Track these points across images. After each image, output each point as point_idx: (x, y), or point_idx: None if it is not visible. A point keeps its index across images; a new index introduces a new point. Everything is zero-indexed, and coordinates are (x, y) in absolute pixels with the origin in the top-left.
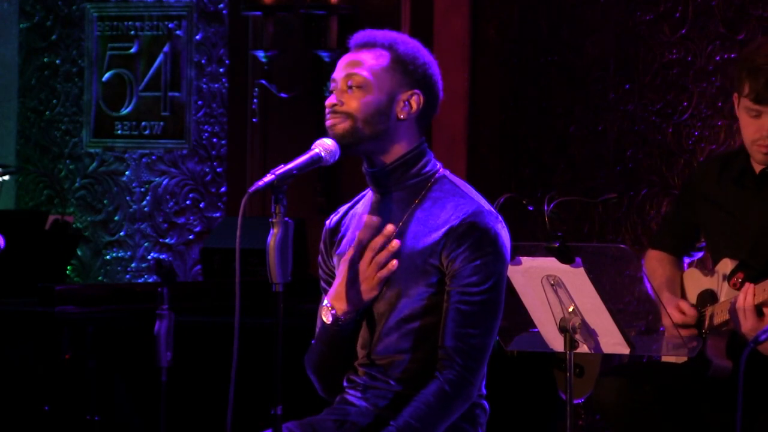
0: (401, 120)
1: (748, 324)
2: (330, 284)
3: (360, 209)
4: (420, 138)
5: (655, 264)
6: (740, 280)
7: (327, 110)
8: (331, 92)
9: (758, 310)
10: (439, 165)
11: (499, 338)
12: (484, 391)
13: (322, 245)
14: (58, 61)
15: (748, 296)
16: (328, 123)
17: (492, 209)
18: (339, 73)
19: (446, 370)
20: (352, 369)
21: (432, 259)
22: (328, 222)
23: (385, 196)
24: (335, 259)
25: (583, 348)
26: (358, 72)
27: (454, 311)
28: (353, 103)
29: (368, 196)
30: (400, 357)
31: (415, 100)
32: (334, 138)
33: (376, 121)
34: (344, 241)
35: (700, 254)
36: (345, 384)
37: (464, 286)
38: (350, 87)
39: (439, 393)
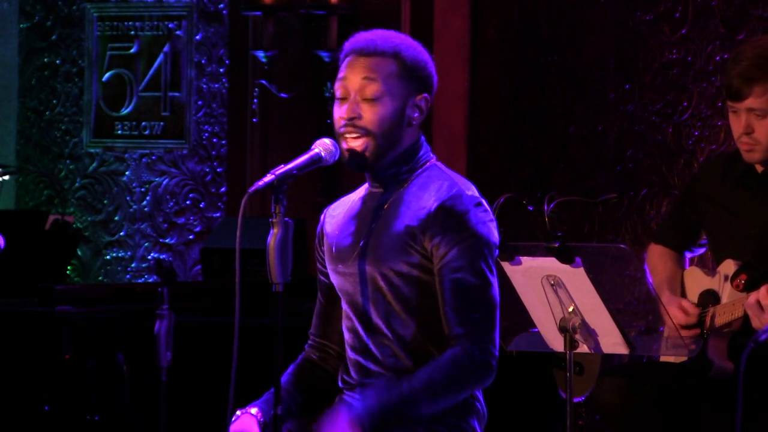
0: (412, 125)
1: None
2: (325, 269)
3: (354, 197)
4: (419, 132)
5: (656, 260)
6: (743, 281)
7: (342, 121)
8: (340, 100)
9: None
10: (432, 156)
11: (499, 338)
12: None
13: (317, 234)
14: (58, 61)
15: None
16: (346, 138)
17: (474, 194)
18: (350, 83)
19: (461, 345)
20: (344, 367)
21: (411, 239)
22: (325, 210)
23: (380, 189)
24: (326, 249)
25: (583, 348)
26: (373, 83)
27: (451, 301)
28: (371, 116)
29: (366, 186)
30: (390, 339)
31: (423, 104)
32: (347, 151)
33: (391, 132)
34: (333, 228)
35: (702, 250)
36: (341, 385)
37: (454, 272)
38: (365, 99)
39: (456, 361)
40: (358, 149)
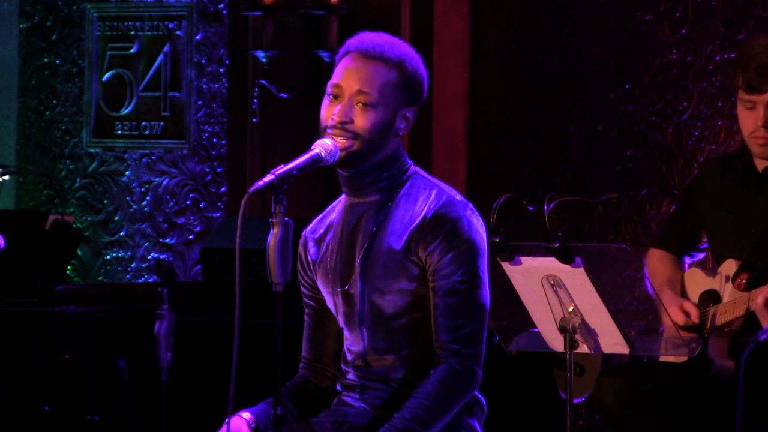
0: (397, 135)
1: None
2: (311, 293)
3: (334, 216)
4: (398, 141)
5: (656, 263)
6: (745, 281)
7: (330, 121)
8: (332, 97)
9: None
10: (410, 163)
11: (499, 338)
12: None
13: (299, 259)
14: (58, 61)
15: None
16: (336, 139)
17: (463, 199)
18: (347, 84)
19: (446, 361)
20: (342, 375)
21: (408, 252)
22: (303, 234)
23: (360, 199)
24: (314, 270)
25: (583, 348)
26: (369, 90)
27: (442, 306)
28: (363, 123)
29: (341, 202)
30: (391, 356)
31: (411, 117)
32: (339, 154)
33: (379, 140)
34: (322, 250)
35: (702, 255)
36: (339, 388)
37: (446, 279)
38: (359, 104)
39: (441, 381)
40: (343, 146)
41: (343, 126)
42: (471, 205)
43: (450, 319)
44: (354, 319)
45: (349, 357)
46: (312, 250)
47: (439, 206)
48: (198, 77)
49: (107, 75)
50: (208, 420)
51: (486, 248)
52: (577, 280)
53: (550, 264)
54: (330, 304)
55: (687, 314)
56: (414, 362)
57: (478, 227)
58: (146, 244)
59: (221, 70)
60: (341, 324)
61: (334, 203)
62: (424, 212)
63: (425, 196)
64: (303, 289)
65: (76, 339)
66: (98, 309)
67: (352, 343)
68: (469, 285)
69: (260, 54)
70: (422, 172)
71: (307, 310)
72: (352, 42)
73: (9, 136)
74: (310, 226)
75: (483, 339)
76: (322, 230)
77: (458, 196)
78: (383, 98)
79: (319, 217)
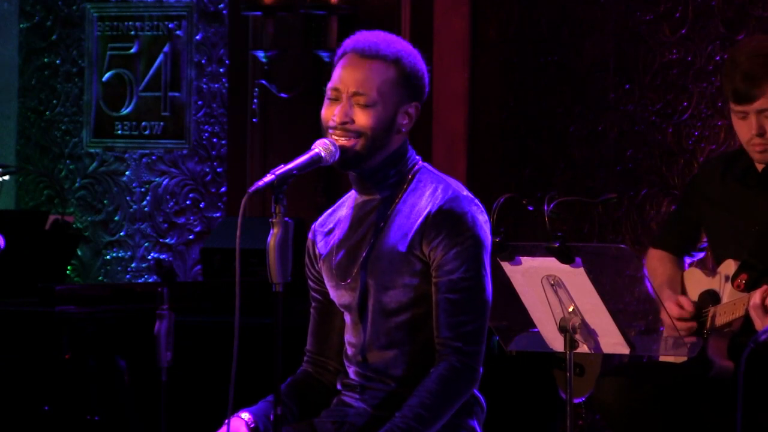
0: (401, 132)
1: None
2: (318, 287)
3: (344, 212)
4: (403, 137)
5: (656, 263)
6: (744, 281)
7: (331, 122)
8: (331, 99)
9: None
10: (418, 158)
11: (499, 338)
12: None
13: (307, 252)
14: (58, 61)
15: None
16: (338, 140)
17: (469, 194)
18: (343, 86)
19: (446, 359)
20: (343, 372)
21: (414, 248)
22: (312, 227)
23: (369, 196)
24: (320, 263)
25: (583, 348)
26: (367, 90)
27: (444, 302)
28: (363, 121)
29: (351, 197)
30: (393, 352)
31: (413, 112)
32: (339, 154)
33: (382, 137)
34: (329, 244)
35: (701, 255)
36: (339, 387)
37: (449, 275)
38: (359, 105)
39: (442, 380)
40: (347, 145)
41: (344, 126)
42: (477, 201)
43: (452, 316)
44: (356, 313)
45: (350, 351)
46: (320, 243)
47: (444, 201)
48: (198, 77)
49: (107, 75)
50: (208, 420)
51: (490, 245)
52: (577, 280)
53: (550, 264)
54: (334, 297)
55: (681, 306)
56: (414, 358)
57: (483, 223)
58: (146, 244)
59: (221, 70)
60: (346, 317)
61: (344, 197)
62: (429, 207)
63: (431, 191)
64: (310, 283)
65: (76, 339)
66: (98, 309)
67: (353, 336)
68: (473, 282)
69: (260, 54)
70: (429, 167)
71: (313, 304)
72: (349, 42)
73: (9, 136)
74: (320, 219)
75: (484, 337)
76: (330, 224)
77: (464, 192)
78: (381, 97)
79: (329, 211)
